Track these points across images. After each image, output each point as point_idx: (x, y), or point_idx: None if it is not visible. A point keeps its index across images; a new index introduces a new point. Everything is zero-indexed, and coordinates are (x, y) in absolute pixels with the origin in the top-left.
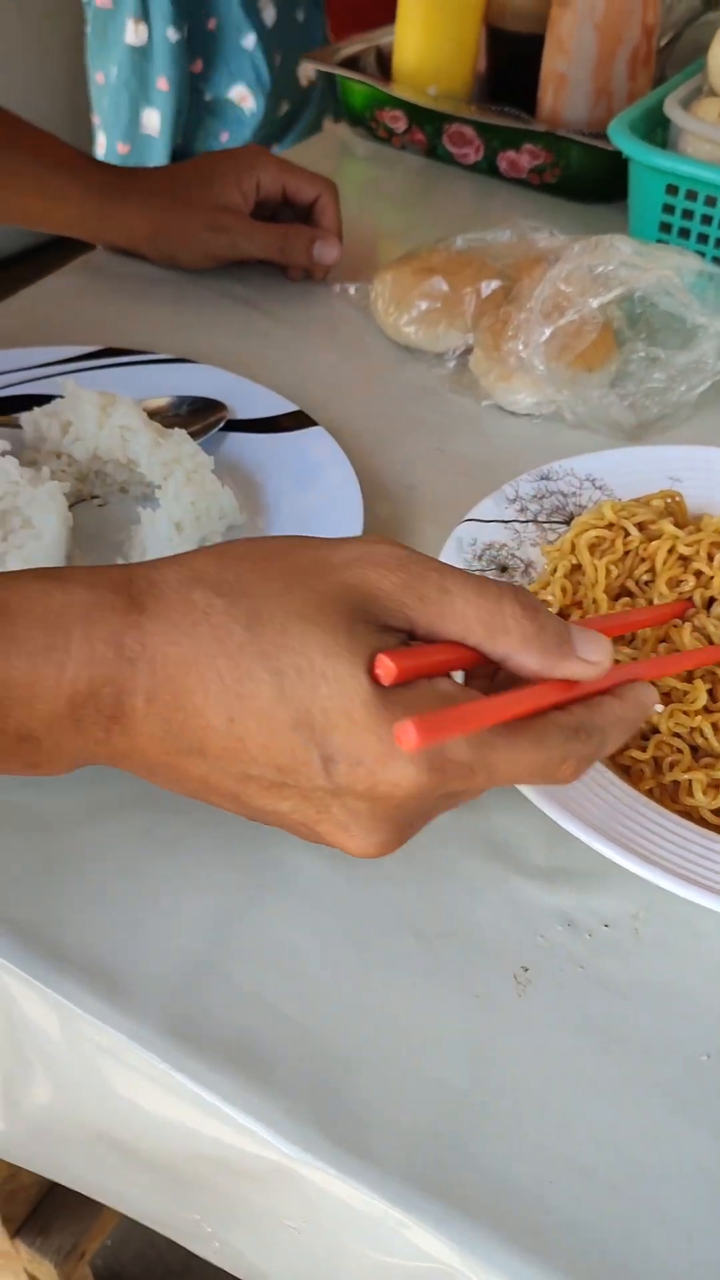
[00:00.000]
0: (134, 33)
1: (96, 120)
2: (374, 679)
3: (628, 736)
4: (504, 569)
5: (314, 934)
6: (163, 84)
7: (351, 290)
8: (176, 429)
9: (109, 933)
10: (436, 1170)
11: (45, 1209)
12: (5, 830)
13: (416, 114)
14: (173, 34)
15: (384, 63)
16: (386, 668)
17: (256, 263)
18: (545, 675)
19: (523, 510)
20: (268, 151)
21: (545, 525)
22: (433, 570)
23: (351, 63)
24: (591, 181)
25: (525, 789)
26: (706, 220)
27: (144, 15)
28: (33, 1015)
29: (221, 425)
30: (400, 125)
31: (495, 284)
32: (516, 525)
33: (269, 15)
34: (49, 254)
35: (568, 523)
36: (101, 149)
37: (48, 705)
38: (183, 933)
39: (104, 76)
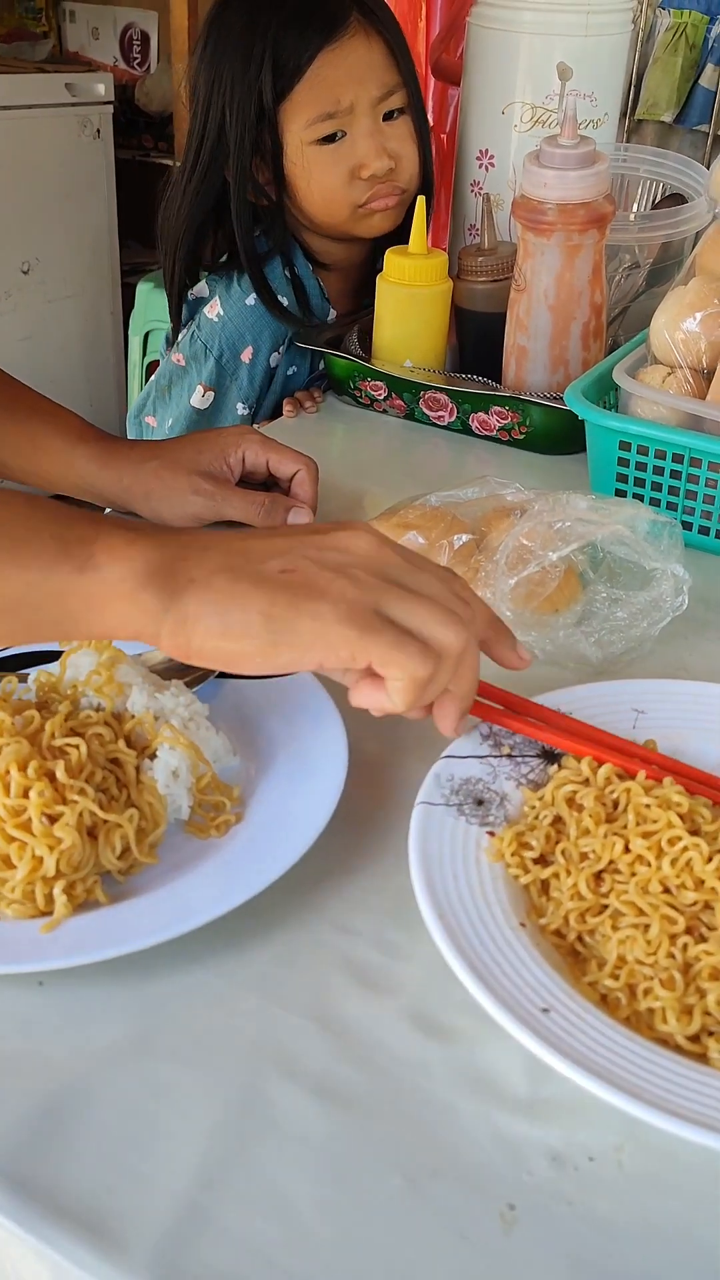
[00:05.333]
0: (200, 397)
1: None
2: None
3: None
4: (480, 802)
5: (304, 1175)
6: None
7: None
8: (174, 680)
9: (103, 1180)
10: None
11: None
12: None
13: (396, 384)
14: (241, 409)
15: (364, 339)
16: None
17: (242, 525)
18: None
19: (496, 745)
20: (254, 430)
21: (519, 759)
22: None
23: (335, 341)
24: (554, 437)
25: (504, 1022)
26: (659, 472)
27: (215, 385)
28: (26, 1271)
29: (216, 673)
30: (381, 393)
31: (465, 537)
32: (491, 760)
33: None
34: None
35: (541, 755)
36: None
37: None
38: (175, 1178)
39: (156, 422)
